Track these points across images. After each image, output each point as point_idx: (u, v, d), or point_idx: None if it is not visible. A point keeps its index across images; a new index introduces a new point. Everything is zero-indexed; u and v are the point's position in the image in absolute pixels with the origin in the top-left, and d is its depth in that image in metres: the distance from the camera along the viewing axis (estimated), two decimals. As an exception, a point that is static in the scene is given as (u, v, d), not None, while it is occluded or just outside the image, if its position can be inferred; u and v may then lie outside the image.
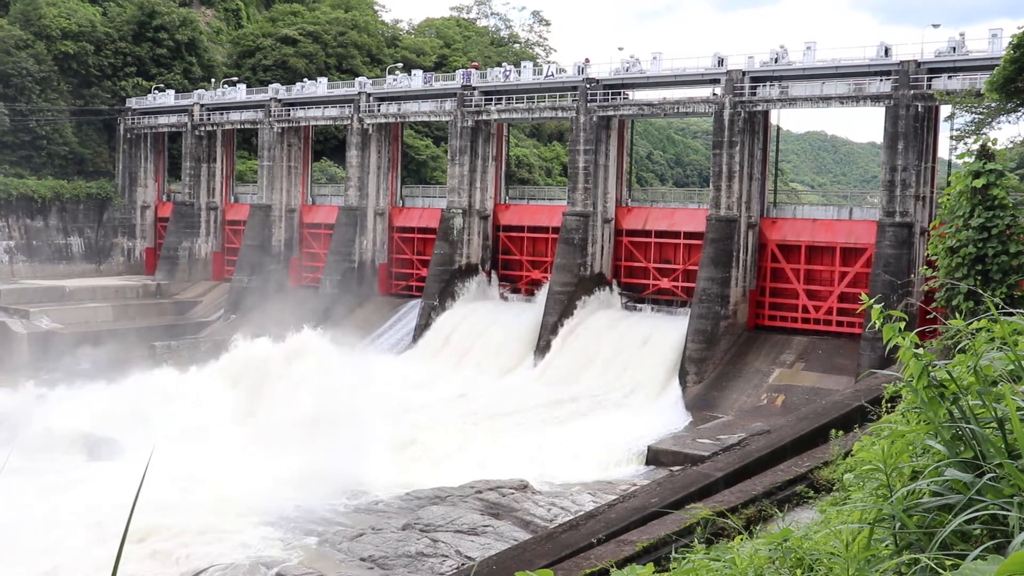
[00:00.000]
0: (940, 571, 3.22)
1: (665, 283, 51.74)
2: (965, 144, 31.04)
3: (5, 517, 29.81)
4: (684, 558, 5.76)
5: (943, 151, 44.82)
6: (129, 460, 36.15)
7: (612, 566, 13.02)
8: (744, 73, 46.76)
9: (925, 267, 31.28)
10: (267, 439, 36.63)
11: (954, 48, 42.30)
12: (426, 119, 65.14)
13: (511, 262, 58.37)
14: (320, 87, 67.13)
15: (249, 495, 31.74)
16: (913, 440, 4.39)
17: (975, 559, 2.98)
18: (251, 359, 47.98)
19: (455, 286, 56.16)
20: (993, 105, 31.70)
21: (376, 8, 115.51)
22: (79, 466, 36.97)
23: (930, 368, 4.15)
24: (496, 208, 58.29)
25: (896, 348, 4.41)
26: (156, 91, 77.23)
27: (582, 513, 21.45)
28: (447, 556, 25.27)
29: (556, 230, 53.41)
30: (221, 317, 65.81)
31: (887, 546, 3.92)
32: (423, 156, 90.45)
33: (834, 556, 4.10)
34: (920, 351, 4.21)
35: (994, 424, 3.85)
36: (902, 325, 4.41)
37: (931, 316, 23.28)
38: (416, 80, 61.99)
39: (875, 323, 4.55)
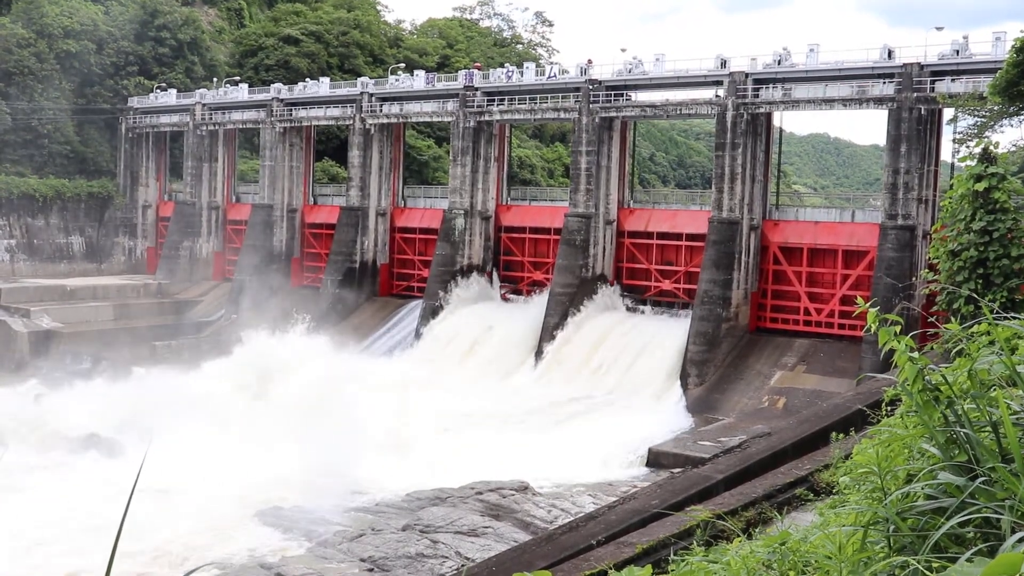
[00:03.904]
0: (928, 573, 3.23)
1: (667, 285, 51.73)
2: (967, 147, 31.10)
3: (4, 515, 29.84)
4: (683, 560, 5.77)
5: (946, 154, 44.81)
6: (129, 459, 36.18)
7: (611, 568, 13.01)
8: (747, 75, 46.75)
9: (927, 270, 31.30)
10: (267, 439, 36.62)
11: (957, 51, 42.28)
12: (428, 119, 65.17)
13: (513, 263, 58.38)
14: (322, 87, 67.17)
15: (249, 495, 31.77)
16: (909, 443, 4.40)
17: (965, 561, 3.00)
18: (252, 360, 48.01)
19: (456, 287, 56.15)
20: (996, 108, 31.73)
21: (379, 8, 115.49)
22: (79, 465, 36.99)
23: (925, 372, 4.16)
24: (498, 209, 58.30)
25: (895, 351, 4.42)
26: (158, 90, 77.27)
27: (582, 515, 21.46)
28: (447, 557, 25.28)
29: (558, 231, 53.41)
30: (222, 317, 65.83)
31: (881, 548, 3.93)
32: (425, 156, 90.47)
33: (828, 558, 4.11)
34: (915, 355, 4.23)
35: (988, 428, 3.87)
36: (898, 329, 4.42)
37: (932, 320, 23.26)
38: (418, 80, 62.02)
39: (870, 327, 4.57)
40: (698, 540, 13.23)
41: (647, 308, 51.68)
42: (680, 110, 51.38)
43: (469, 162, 56.68)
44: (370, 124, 62.02)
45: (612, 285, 52.48)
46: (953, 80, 41.61)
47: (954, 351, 5.51)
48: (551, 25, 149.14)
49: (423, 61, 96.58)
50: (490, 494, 30.00)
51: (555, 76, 57.04)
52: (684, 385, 44.91)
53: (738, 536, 6.76)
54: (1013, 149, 37.26)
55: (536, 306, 53.10)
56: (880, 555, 3.86)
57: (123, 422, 41.77)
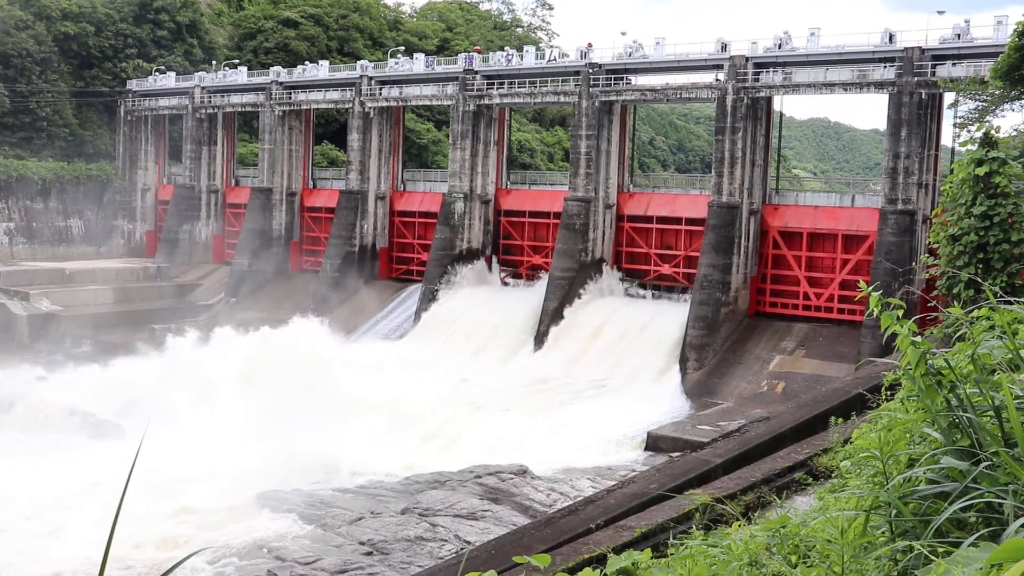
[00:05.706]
0: (933, 557, 3.22)
1: (666, 269, 51.71)
2: (968, 132, 30.95)
3: (5, 497, 29.91)
4: (682, 544, 5.77)
5: (946, 139, 44.72)
6: (128, 442, 36.26)
7: (610, 551, 13.03)
8: (747, 59, 46.59)
9: (926, 255, 31.26)
10: (266, 423, 36.67)
11: (959, 35, 42.12)
12: (428, 103, 64.99)
13: (512, 247, 58.32)
14: (322, 70, 66.94)
15: (247, 478, 31.81)
16: (910, 428, 4.39)
17: (969, 546, 2.98)
18: (251, 343, 47.97)
19: (456, 271, 56.12)
20: (997, 93, 31.60)
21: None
22: (78, 447, 37.04)
23: (928, 356, 4.13)
24: (497, 193, 58.21)
25: (895, 336, 4.40)
26: (157, 73, 77.01)
27: (581, 498, 21.49)
28: (446, 540, 25.35)
29: (557, 215, 53.36)
30: (221, 300, 65.84)
31: (883, 533, 3.92)
32: (424, 140, 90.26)
33: (830, 543, 4.10)
34: (918, 339, 4.20)
35: (991, 412, 3.85)
36: (900, 313, 4.40)
37: (932, 304, 23.25)
38: (418, 64, 61.82)
39: (873, 311, 4.54)
40: (697, 524, 13.24)
41: (646, 292, 51.70)
42: (680, 94, 51.23)
43: (469, 146, 56.55)
44: (369, 107, 61.83)
45: (612, 269, 52.46)
46: (954, 64, 41.48)
47: (955, 336, 5.49)
48: (551, 8, 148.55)
49: (423, 44, 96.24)
50: (489, 478, 30.05)
51: (555, 60, 56.87)
52: (683, 369, 44.94)
53: (737, 520, 6.77)
54: (1014, 134, 37.14)
55: (536, 290, 53.10)
56: (882, 539, 3.85)
57: (122, 405, 41.83)
